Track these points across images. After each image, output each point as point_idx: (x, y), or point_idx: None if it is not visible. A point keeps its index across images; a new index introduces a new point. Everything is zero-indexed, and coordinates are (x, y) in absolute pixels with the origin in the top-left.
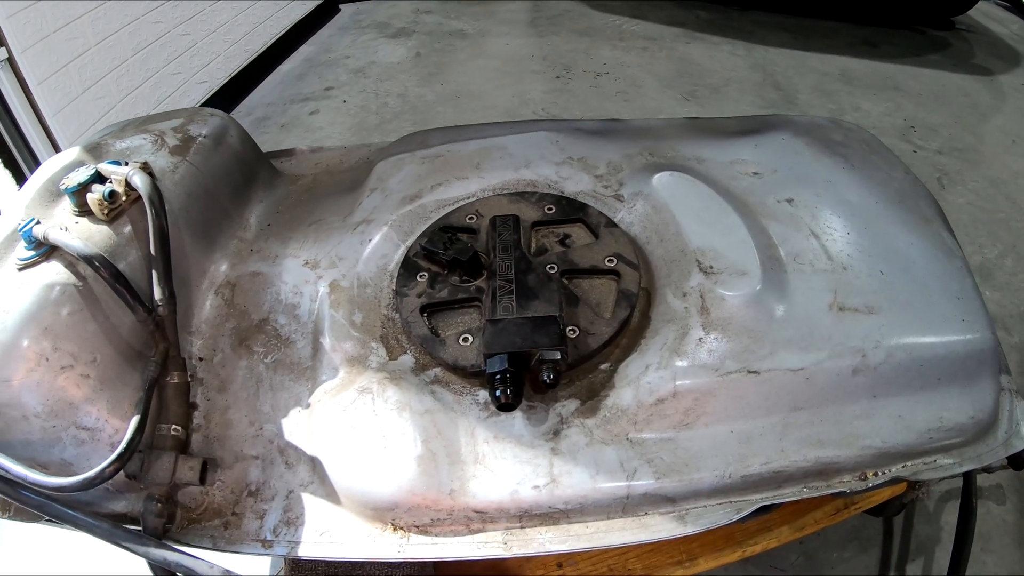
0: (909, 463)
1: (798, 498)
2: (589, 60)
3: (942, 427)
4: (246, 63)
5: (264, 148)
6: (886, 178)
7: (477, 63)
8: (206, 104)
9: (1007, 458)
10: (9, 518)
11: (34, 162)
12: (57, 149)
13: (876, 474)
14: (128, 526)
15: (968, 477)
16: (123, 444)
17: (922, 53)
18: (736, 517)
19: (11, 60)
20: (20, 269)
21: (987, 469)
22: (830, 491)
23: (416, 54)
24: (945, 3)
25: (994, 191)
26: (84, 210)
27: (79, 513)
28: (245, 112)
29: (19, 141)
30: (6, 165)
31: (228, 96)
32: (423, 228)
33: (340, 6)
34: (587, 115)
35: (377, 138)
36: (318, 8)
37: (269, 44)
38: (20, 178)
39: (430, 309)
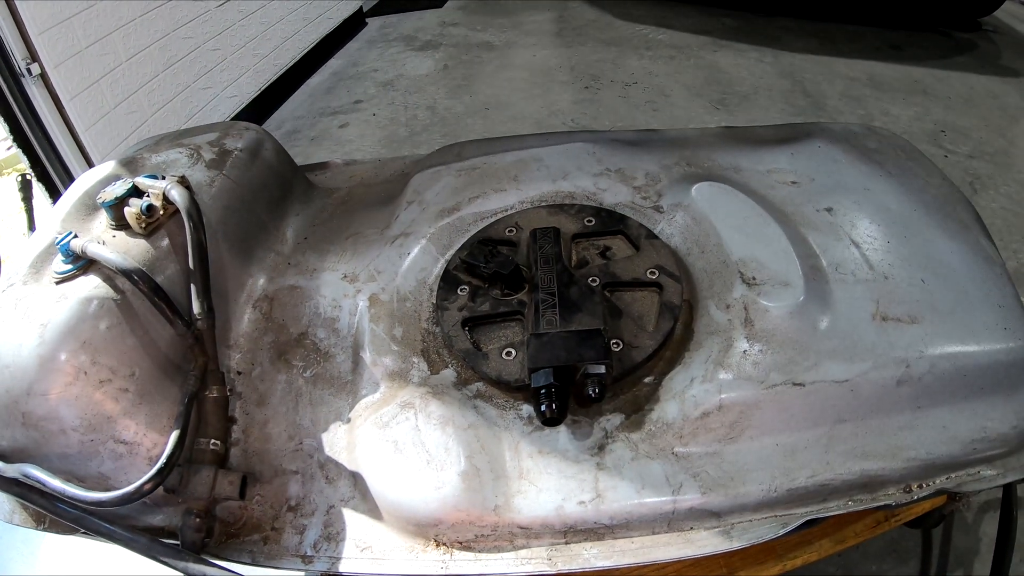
0: (953, 475)
1: (843, 511)
2: (616, 70)
3: (986, 437)
4: (275, 77)
5: (297, 161)
6: (923, 185)
7: (505, 74)
8: (236, 118)
9: None
10: (44, 530)
11: (67, 176)
12: (90, 163)
13: (921, 486)
14: (166, 540)
15: (1008, 487)
16: (163, 459)
17: (949, 55)
18: (782, 532)
19: (44, 75)
20: (57, 283)
21: None
22: (875, 504)
23: (444, 66)
24: (971, 4)
25: None
26: (121, 224)
27: (116, 527)
28: (275, 126)
29: (52, 155)
30: (40, 179)
31: (258, 110)
32: (462, 241)
33: (367, 20)
34: (617, 125)
35: (407, 150)
36: (345, 22)
37: (298, 58)
38: (54, 192)
39: (472, 323)
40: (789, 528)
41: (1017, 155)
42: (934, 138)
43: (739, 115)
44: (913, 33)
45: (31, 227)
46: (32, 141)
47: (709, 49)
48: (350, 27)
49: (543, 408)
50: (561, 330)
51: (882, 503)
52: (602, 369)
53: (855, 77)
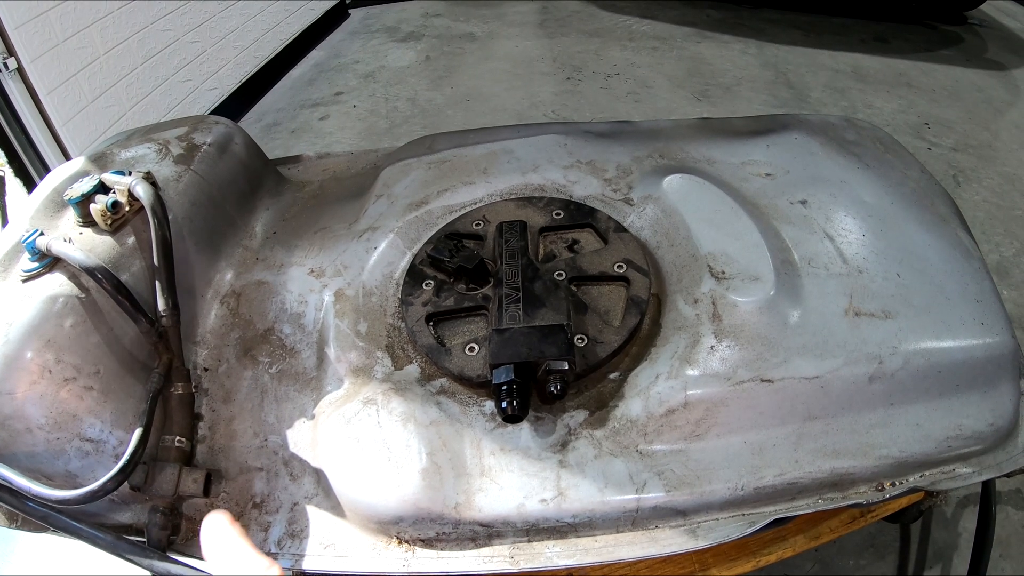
0: (927, 472)
1: (813, 510)
2: (599, 61)
3: (960, 435)
4: (256, 69)
5: (275, 154)
6: (902, 177)
7: (486, 66)
8: (217, 111)
9: None
10: (17, 528)
11: (45, 171)
12: (67, 157)
13: (893, 484)
14: (132, 538)
15: (987, 483)
16: (126, 457)
17: (934, 48)
18: (749, 531)
19: (20, 70)
20: (24, 281)
21: (1007, 474)
22: (846, 503)
23: (425, 58)
24: None
25: (1010, 188)
26: (88, 221)
27: (83, 525)
28: (256, 118)
29: (30, 150)
30: (17, 174)
31: (239, 102)
32: (429, 235)
33: (350, 11)
34: (598, 116)
35: (387, 142)
36: (328, 13)
37: (279, 50)
38: (32, 187)
39: (436, 318)
40: (756, 527)
41: (1001, 148)
42: (918, 131)
43: (721, 106)
44: (899, 26)
45: (4, 222)
46: (9, 136)
47: (693, 40)
48: (333, 18)
49: (504, 405)
50: (524, 325)
51: (853, 502)
52: (564, 365)
53: (839, 69)
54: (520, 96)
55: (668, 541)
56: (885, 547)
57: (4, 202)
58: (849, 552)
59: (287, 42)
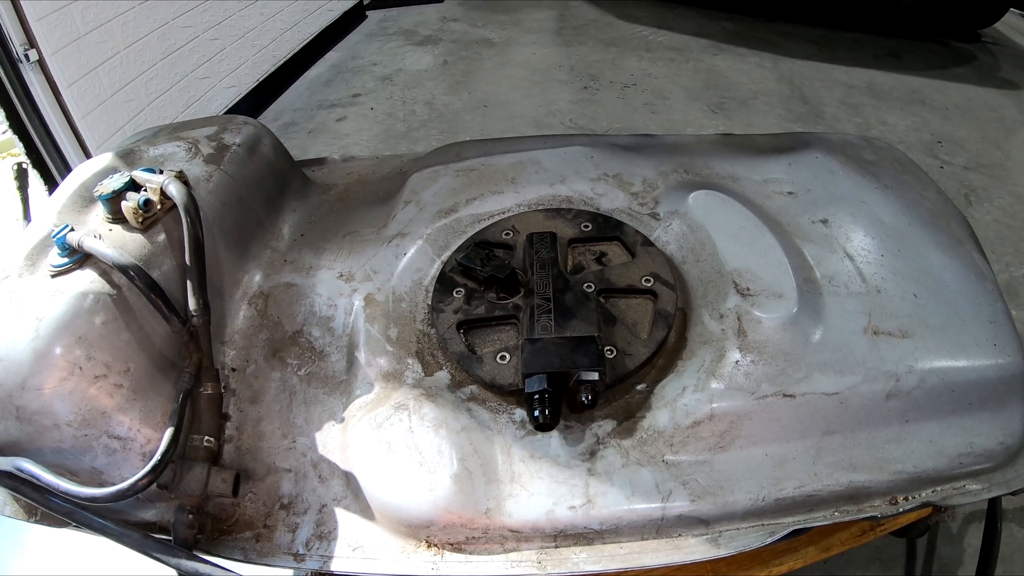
0: (939, 488)
1: (829, 522)
2: (616, 71)
3: (972, 452)
4: (274, 68)
5: (293, 154)
6: (918, 198)
7: (504, 72)
8: (234, 109)
9: None
10: (36, 522)
11: (63, 164)
12: (86, 151)
13: (907, 499)
14: (158, 536)
15: (993, 500)
16: (157, 456)
17: (947, 66)
18: (769, 540)
19: (41, 62)
20: (53, 276)
21: (1015, 492)
22: (861, 515)
23: (443, 62)
24: (971, 15)
25: (1021, 207)
26: (118, 217)
27: (109, 522)
28: (273, 117)
29: (48, 143)
30: (35, 166)
31: (256, 101)
32: (458, 243)
33: (367, 13)
34: (615, 126)
35: (404, 146)
36: (345, 14)
37: (297, 50)
38: (50, 180)
39: (467, 326)
40: (776, 537)
41: (1013, 168)
42: (930, 148)
43: (737, 119)
44: (912, 42)
45: (26, 216)
46: (28, 128)
47: (709, 52)
48: (350, 20)
49: (536, 413)
50: (556, 336)
51: (868, 514)
52: (595, 376)
53: (853, 85)
54: (537, 103)
55: (691, 549)
56: (891, 561)
57: (27, 194)
58: (856, 565)
59: (305, 42)
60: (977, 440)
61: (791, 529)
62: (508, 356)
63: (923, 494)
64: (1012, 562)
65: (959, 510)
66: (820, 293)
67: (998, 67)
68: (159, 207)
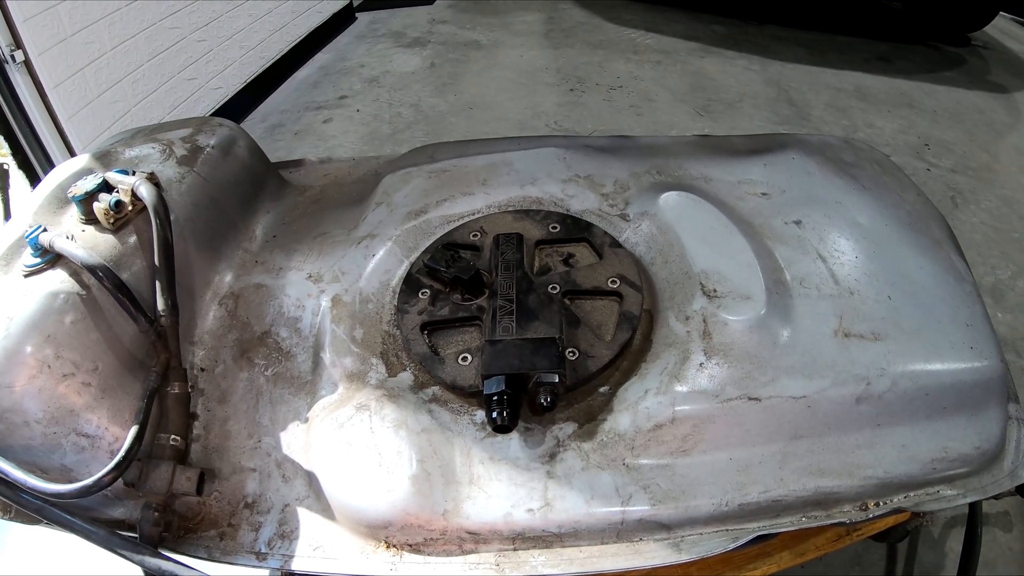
0: (911, 494)
1: (796, 528)
2: (603, 73)
3: (946, 457)
4: (261, 70)
5: (278, 155)
6: (897, 200)
7: (491, 74)
8: (221, 110)
9: (1016, 488)
10: (10, 519)
11: (48, 164)
12: (72, 152)
13: (877, 504)
14: (125, 533)
15: (974, 504)
16: (121, 453)
17: (937, 70)
18: (732, 546)
19: (28, 63)
20: (26, 276)
21: (993, 496)
22: (829, 521)
23: (430, 64)
24: (961, 19)
25: (1008, 211)
26: (91, 218)
27: (77, 519)
28: (260, 119)
29: (34, 144)
30: (21, 167)
31: (243, 102)
32: (427, 244)
33: (356, 15)
34: (600, 128)
35: (389, 148)
36: (334, 16)
37: (285, 51)
38: (35, 180)
39: (431, 327)
40: (739, 543)
41: (1000, 170)
42: (918, 151)
43: (723, 122)
44: (902, 46)
45: (7, 216)
46: (14, 128)
47: (697, 55)
48: (339, 21)
49: (494, 415)
50: (516, 337)
51: (837, 520)
52: (555, 378)
53: (842, 88)
54: (523, 106)
55: (652, 554)
56: (871, 566)
57: (8, 195)
58: (835, 569)
59: (293, 44)
60: (952, 445)
61: (755, 535)
62: (470, 357)
63: (895, 500)
64: (994, 566)
65: (939, 515)
66: (790, 295)
67: (987, 70)
68: (130, 208)
